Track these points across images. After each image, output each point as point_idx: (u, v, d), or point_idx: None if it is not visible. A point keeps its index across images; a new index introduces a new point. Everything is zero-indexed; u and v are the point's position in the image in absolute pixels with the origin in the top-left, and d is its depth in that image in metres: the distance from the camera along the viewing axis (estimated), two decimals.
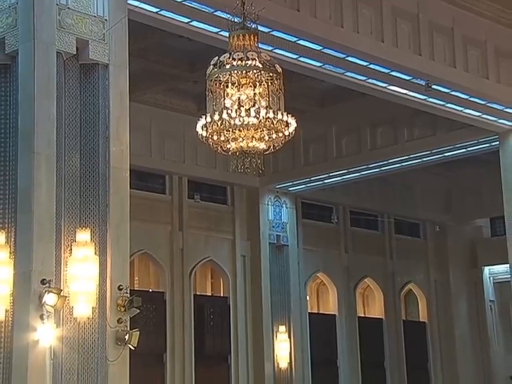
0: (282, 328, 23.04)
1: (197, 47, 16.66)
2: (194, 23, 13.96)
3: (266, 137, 9.90)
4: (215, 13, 13.33)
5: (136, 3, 13.00)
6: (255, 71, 9.74)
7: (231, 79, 9.75)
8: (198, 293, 22.74)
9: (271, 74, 9.82)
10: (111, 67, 12.00)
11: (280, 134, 9.91)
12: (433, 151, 21.64)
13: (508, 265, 20.04)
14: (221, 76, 9.77)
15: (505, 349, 28.04)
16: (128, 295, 11.45)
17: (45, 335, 10.55)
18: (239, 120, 9.67)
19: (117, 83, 12.07)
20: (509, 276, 20.37)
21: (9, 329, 10.77)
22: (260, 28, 10.23)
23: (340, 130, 22.52)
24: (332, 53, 15.46)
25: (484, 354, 28.13)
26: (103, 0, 12.00)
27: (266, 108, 9.71)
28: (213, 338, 22.37)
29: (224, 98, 9.79)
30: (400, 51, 16.19)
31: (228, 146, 9.98)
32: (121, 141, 11.98)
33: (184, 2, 13.40)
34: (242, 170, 10.14)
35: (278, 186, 23.68)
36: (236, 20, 10.04)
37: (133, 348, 11.42)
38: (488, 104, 18.16)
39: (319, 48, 15.23)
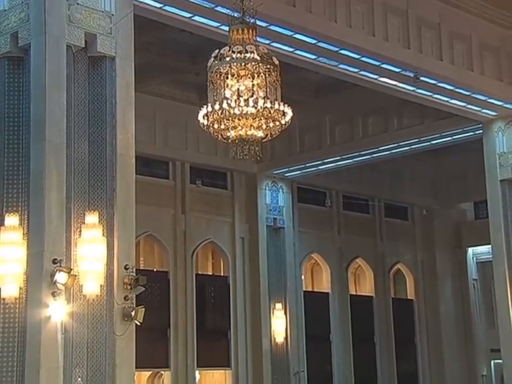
0: (278, 306, 23.09)
1: (199, 40, 16.61)
2: (196, 18, 13.92)
3: (264, 126, 9.89)
4: (216, 8, 13.28)
5: None
6: (253, 63, 9.73)
7: (230, 70, 9.74)
8: (199, 273, 22.76)
9: (268, 66, 9.81)
10: (117, 59, 11.98)
11: (277, 123, 9.91)
12: (421, 139, 21.63)
13: (490, 246, 20.13)
14: (221, 67, 9.76)
15: (487, 324, 28.14)
16: (134, 274, 11.49)
17: (57, 311, 10.61)
18: (238, 110, 9.66)
19: (123, 74, 12.06)
20: (491, 256, 20.41)
21: (23, 305, 10.83)
22: (258, 22, 10.21)
23: (333, 120, 22.49)
24: (326, 46, 15.42)
25: (467, 329, 28.25)
26: None
27: (264, 98, 9.70)
28: (214, 315, 22.42)
29: (224, 89, 9.78)
30: (390, 45, 16.16)
31: (228, 134, 9.97)
32: (127, 129, 11.99)
33: None
34: (241, 157, 10.14)
35: (275, 172, 23.67)
36: (235, 15, 10.01)
37: (138, 324, 11.47)
38: (473, 95, 18.15)
39: (313, 41, 15.20)
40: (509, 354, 19.00)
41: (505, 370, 19.62)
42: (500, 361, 21.15)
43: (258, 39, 10.08)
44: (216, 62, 9.79)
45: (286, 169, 23.61)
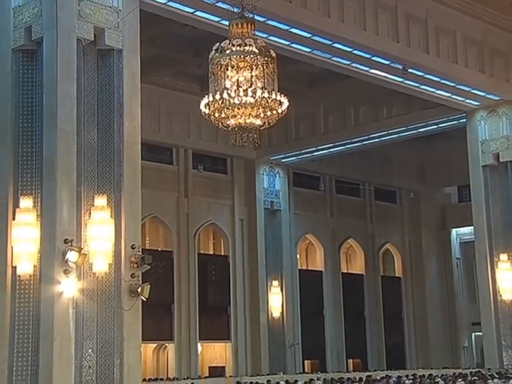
0: (275, 283, 23.18)
1: (201, 34, 16.53)
2: (198, 13, 13.90)
3: (262, 115, 9.90)
4: (217, 4, 13.25)
5: None
6: (252, 55, 9.73)
7: (230, 62, 9.73)
8: (201, 252, 22.84)
9: (266, 58, 9.80)
10: (124, 52, 11.97)
11: (274, 112, 9.92)
12: (409, 127, 21.67)
13: (472, 227, 20.20)
14: (221, 60, 9.75)
15: (469, 300, 28.28)
16: (140, 253, 11.55)
17: (68, 288, 10.67)
18: (238, 99, 9.67)
19: (130, 66, 12.04)
20: (473, 237, 20.50)
21: (37, 282, 10.88)
22: (256, 17, 10.20)
23: (327, 109, 22.48)
24: (320, 40, 15.42)
25: (450, 304, 28.41)
26: None
27: (262, 88, 9.71)
28: (215, 292, 22.50)
29: (225, 80, 9.78)
30: (380, 38, 16.14)
31: (228, 122, 9.98)
32: (134, 117, 11.99)
33: None
34: (240, 144, 10.15)
35: (272, 158, 23.69)
36: (235, 10, 9.99)
37: (144, 299, 11.52)
38: (457, 86, 18.17)
39: (308, 35, 15.18)
40: (488, 327, 19.13)
41: (485, 342, 19.77)
42: (480, 333, 21.30)
43: (256, 33, 10.07)
44: (217, 54, 9.78)
45: (283, 156, 23.64)
